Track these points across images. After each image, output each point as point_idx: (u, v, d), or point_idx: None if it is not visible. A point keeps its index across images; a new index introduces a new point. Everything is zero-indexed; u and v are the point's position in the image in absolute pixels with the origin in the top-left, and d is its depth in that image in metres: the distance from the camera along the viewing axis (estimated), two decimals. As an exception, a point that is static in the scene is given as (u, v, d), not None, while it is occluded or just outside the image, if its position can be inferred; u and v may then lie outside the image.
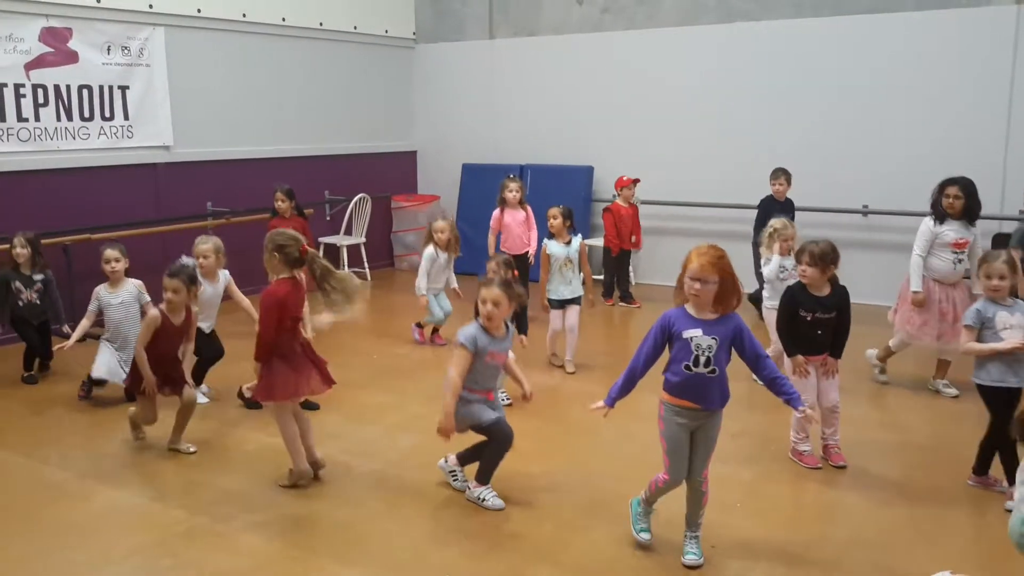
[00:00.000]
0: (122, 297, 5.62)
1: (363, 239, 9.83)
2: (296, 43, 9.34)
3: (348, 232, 9.91)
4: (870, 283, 8.29)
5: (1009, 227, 7.70)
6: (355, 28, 9.95)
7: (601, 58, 9.61)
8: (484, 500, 4.12)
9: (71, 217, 7.35)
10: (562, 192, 9.74)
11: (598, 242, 9.31)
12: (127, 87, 7.77)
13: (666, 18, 9.25)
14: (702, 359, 3.43)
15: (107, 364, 5.47)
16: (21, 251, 6.01)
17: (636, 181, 8.66)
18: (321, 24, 9.54)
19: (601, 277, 8.95)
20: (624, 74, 9.49)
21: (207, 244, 5.58)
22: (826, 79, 8.43)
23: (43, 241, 6.92)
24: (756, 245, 7.68)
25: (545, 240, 6.34)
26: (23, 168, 7.09)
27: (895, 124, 8.18)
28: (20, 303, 6.03)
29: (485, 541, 3.81)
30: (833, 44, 8.37)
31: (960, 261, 5.75)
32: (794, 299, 4.55)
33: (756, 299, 8.00)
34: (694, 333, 3.42)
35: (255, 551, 3.73)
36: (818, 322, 4.51)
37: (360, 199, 9.80)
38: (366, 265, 9.90)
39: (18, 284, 6.01)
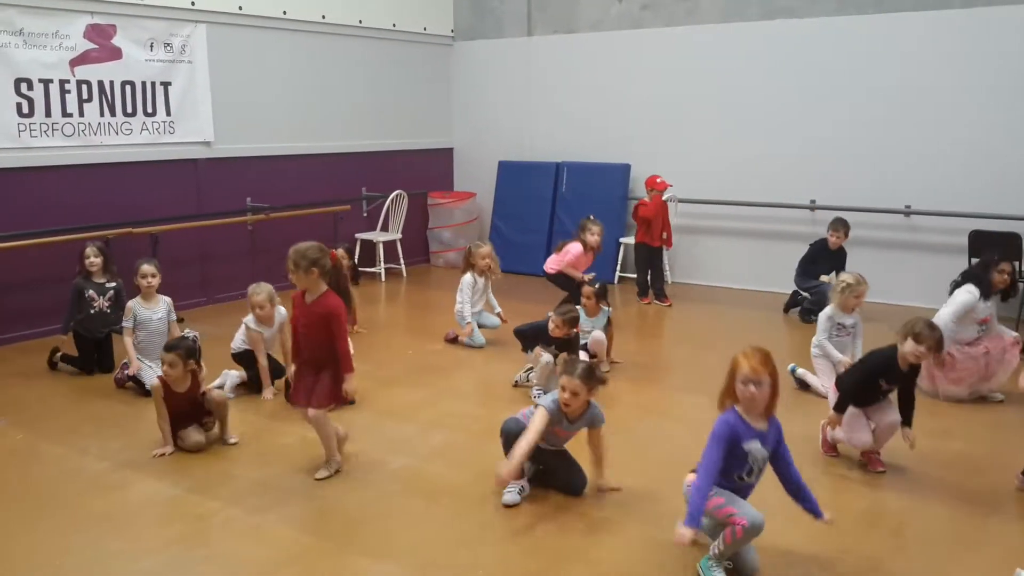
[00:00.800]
0: (160, 313, 5.81)
1: (399, 235, 9.87)
2: (335, 40, 9.40)
3: (384, 228, 9.96)
4: (912, 285, 8.17)
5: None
6: (394, 25, 9.99)
7: (640, 55, 9.55)
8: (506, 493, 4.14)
9: (113, 211, 7.46)
10: (599, 190, 9.75)
11: (633, 240, 9.26)
12: (169, 83, 7.87)
13: (706, 15, 9.16)
14: (755, 470, 3.43)
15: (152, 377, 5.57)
16: (95, 260, 6.11)
17: (668, 186, 8.57)
18: (360, 22, 9.59)
19: (634, 276, 8.89)
20: (663, 71, 9.41)
21: (261, 295, 5.65)
22: (869, 77, 8.29)
23: (85, 235, 7.09)
24: (800, 282, 7.73)
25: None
26: (67, 162, 7.21)
27: (941, 123, 8.00)
28: (92, 311, 6.10)
29: (517, 539, 3.80)
30: (877, 41, 8.22)
31: (983, 331, 5.65)
32: (882, 369, 4.39)
33: (794, 304, 7.94)
34: (753, 446, 3.37)
35: (289, 543, 3.75)
36: (891, 390, 4.45)
37: (397, 195, 9.84)
38: (402, 261, 9.93)
39: (91, 292, 6.09)
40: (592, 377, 4.01)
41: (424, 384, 5.96)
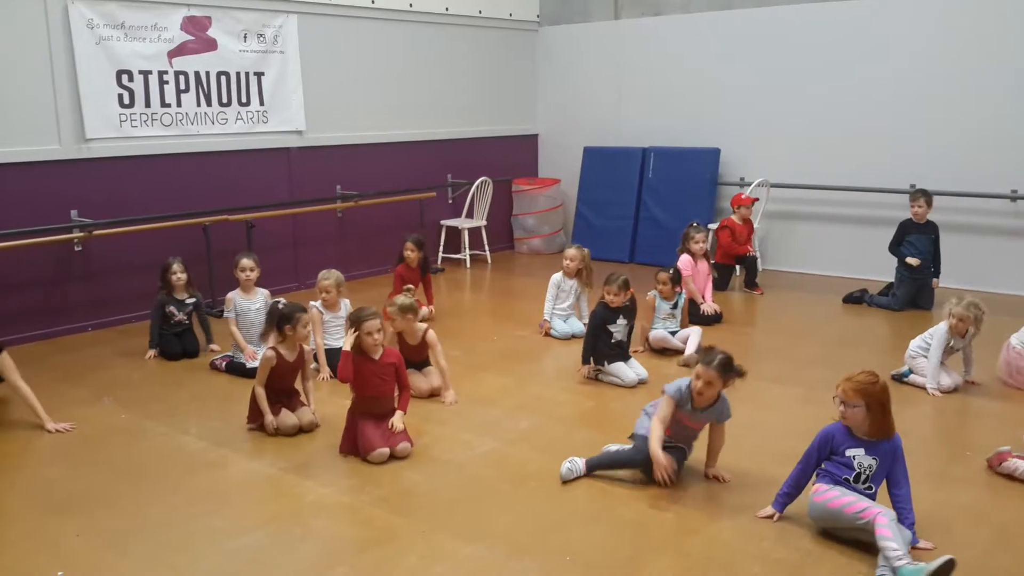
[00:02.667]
0: (258, 303, 6.06)
1: (484, 222, 9.91)
2: (422, 28, 9.46)
3: (470, 215, 10.01)
4: (1019, 272, 7.81)
5: None
6: (480, 12, 10.00)
7: (729, 36, 9.33)
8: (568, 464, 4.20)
9: (209, 198, 7.69)
10: (686, 175, 9.59)
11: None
12: (262, 74, 8.05)
13: (799, -6, 8.89)
14: (863, 477, 3.57)
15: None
16: (181, 276, 6.31)
17: (755, 201, 8.41)
18: (447, 9, 9.63)
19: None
20: (753, 53, 9.18)
21: (329, 280, 5.83)
22: (972, 56, 7.91)
23: (184, 222, 7.33)
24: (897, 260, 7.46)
25: (655, 293, 6.40)
26: (166, 151, 7.46)
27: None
28: (171, 325, 6.32)
29: (605, 526, 3.78)
30: (985, 20, 7.84)
31: None
32: None
33: (855, 299, 7.67)
34: (856, 452, 3.58)
35: (381, 523, 3.81)
36: None
37: (482, 182, 9.87)
38: (486, 248, 9.98)
39: (172, 308, 6.31)
40: (729, 369, 4.00)
41: (510, 370, 5.97)
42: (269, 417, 4.79)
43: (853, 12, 8.54)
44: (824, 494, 3.57)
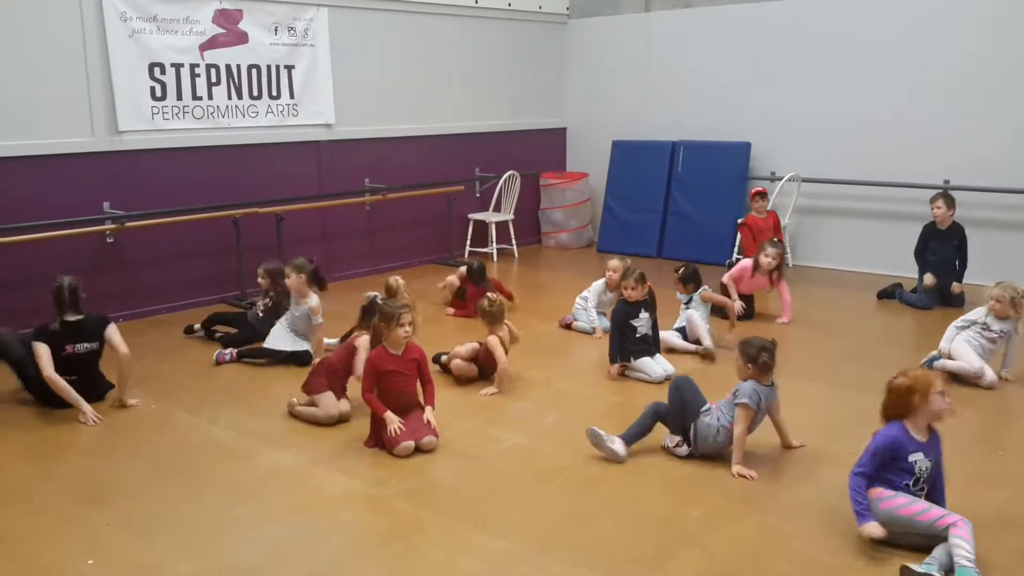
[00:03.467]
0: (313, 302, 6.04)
1: (512, 216, 9.90)
2: (452, 21, 9.46)
3: (497, 209, 10.00)
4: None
5: None
6: (509, 5, 9.97)
7: (761, 29, 9.23)
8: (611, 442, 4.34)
9: (239, 191, 7.75)
10: (716, 169, 9.51)
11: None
12: (292, 67, 8.08)
13: (833, -14, 8.77)
14: (921, 480, 3.53)
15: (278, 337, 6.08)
16: (261, 281, 6.49)
17: (759, 192, 8.15)
18: (476, 2, 9.61)
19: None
20: (785, 46, 9.07)
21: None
22: (1005, 48, 7.76)
23: (214, 214, 7.38)
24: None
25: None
26: (197, 144, 7.52)
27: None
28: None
29: (631, 521, 3.76)
30: (1019, 12, 7.69)
31: None
32: None
33: (888, 294, 7.58)
34: (918, 457, 3.51)
35: (406, 516, 3.82)
36: None
37: (510, 176, 9.86)
38: (514, 242, 9.96)
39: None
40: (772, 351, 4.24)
41: (536, 364, 5.95)
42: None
43: (882, 5, 8.41)
44: (891, 500, 3.49)
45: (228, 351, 6.11)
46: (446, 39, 9.45)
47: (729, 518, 3.79)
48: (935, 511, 3.41)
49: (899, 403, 3.53)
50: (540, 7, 10.36)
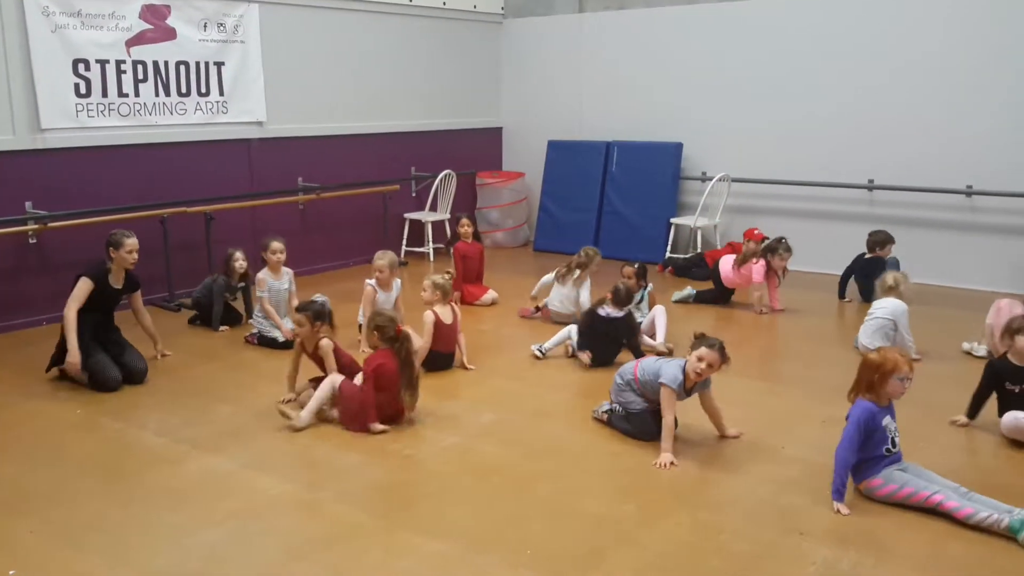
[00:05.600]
0: (284, 283, 6.60)
1: (448, 215, 9.88)
2: (386, 20, 9.40)
3: (433, 208, 9.96)
4: (973, 267, 7.98)
5: None
6: (444, 4, 9.95)
7: (693, 31, 9.39)
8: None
9: (168, 190, 7.58)
10: (649, 170, 9.64)
11: (686, 220, 9.18)
12: (222, 63, 7.94)
13: (761, -10, 8.96)
14: (896, 439, 3.91)
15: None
16: (243, 263, 6.88)
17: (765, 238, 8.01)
18: (411, 1, 9.57)
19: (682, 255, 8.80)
20: (716, 48, 9.25)
21: (383, 260, 6.32)
22: (929, 53, 8.04)
23: (141, 213, 7.22)
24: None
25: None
26: (124, 142, 7.32)
27: (1006, 101, 7.74)
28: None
29: (567, 519, 3.79)
30: (936, 15, 7.98)
31: None
32: (1003, 374, 4.64)
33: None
34: (888, 421, 3.89)
35: (342, 520, 3.79)
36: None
37: (446, 175, 9.84)
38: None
39: (227, 293, 6.92)
40: (725, 353, 4.37)
41: (473, 362, 5.95)
42: (291, 396, 5.14)
43: (814, 7, 8.64)
44: (882, 489, 3.85)
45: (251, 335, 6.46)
46: (380, 37, 9.39)
47: (663, 514, 3.85)
48: (920, 494, 3.75)
49: (867, 377, 3.90)
50: (475, 6, 10.36)
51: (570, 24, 10.27)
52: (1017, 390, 4.55)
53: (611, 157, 9.96)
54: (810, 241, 8.87)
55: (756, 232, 8.23)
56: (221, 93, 7.97)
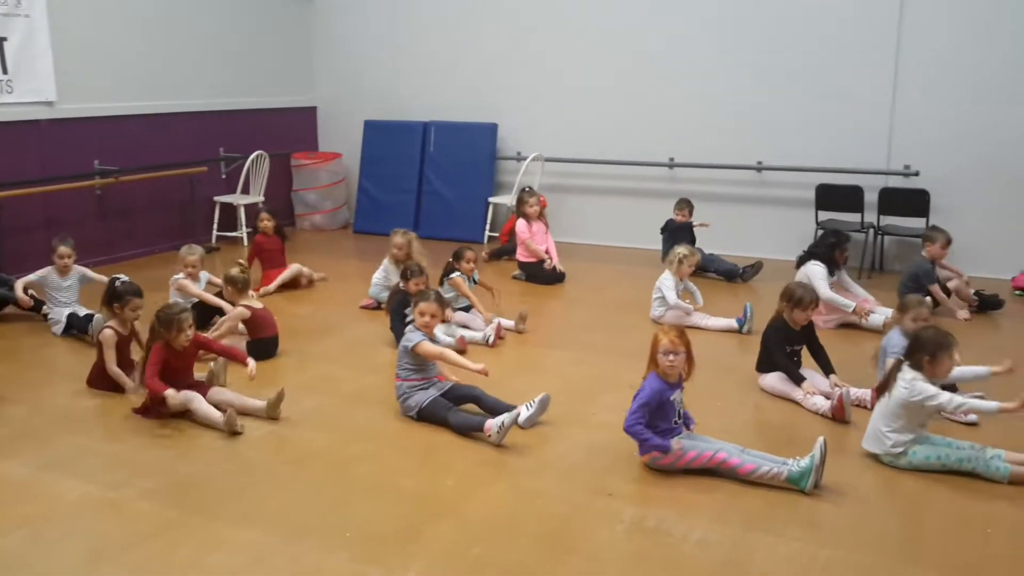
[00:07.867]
0: (69, 281, 6.32)
1: (261, 198, 9.56)
2: (187, -7, 8.96)
3: (245, 191, 9.62)
4: (764, 237, 8.58)
5: (895, 182, 8.04)
6: (249, -23, 9.59)
7: (504, 10, 9.51)
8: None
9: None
10: (467, 150, 9.73)
11: (503, 199, 9.33)
12: (4, 39, 7.30)
13: (572, -30, 9.19)
14: (681, 412, 4.10)
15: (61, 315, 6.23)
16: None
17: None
18: (213, -28, 9.16)
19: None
20: (528, 27, 9.41)
21: (195, 255, 6.34)
22: (719, 40, 8.55)
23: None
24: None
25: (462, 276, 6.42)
26: None
27: (790, 86, 8.35)
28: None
29: (387, 498, 3.82)
30: (728, 4, 8.49)
31: None
32: (784, 337, 5.00)
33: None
34: (675, 396, 4.04)
35: (150, 518, 3.64)
36: (799, 350, 5.08)
37: (257, 156, 9.52)
38: (266, 225, 9.65)
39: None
40: (444, 301, 4.87)
41: (291, 349, 5.84)
42: (132, 385, 5.01)
43: (617, -7, 8.97)
44: (683, 458, 3.97)
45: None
46: (184, 10, 8.92)
47: (482, 483, 3.95)
48: (702, 457, 3.96)
49: (651, 355, 4.05)
50: (282, -20, 10.05)
51: (382, 1, 10.13)
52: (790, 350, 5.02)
53: (429, 137, 9.97)
54: (617, 217, 9.28)
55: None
56: (4, 71, 7.35)
